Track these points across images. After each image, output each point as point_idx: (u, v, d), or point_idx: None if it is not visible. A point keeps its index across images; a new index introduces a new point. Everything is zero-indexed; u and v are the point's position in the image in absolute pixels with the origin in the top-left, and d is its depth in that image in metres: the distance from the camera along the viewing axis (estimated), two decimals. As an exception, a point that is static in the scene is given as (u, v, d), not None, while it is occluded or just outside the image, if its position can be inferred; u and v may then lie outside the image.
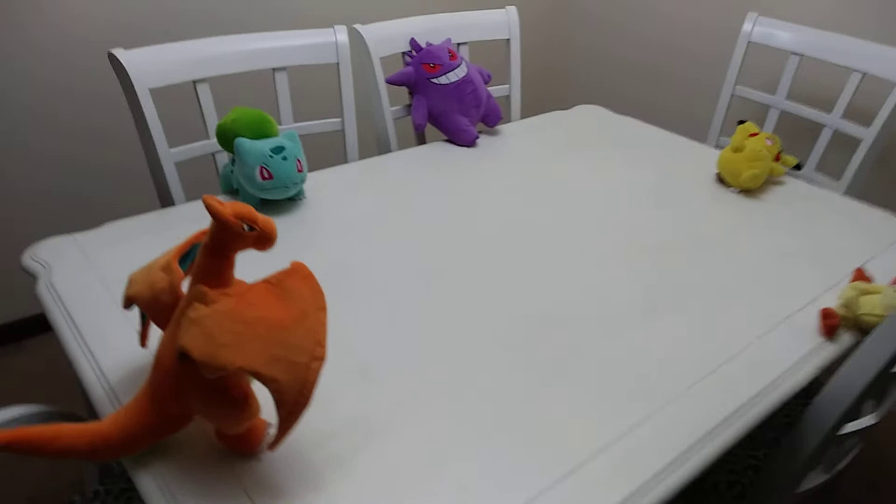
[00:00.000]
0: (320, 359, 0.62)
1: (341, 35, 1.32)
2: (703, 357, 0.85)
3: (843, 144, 1.52)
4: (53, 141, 1.66)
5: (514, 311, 0.91)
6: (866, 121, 1.44)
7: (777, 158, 1.30)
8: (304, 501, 0.63)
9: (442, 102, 1.41)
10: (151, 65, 1.12)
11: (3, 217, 1.66)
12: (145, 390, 0.65)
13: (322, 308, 0.64)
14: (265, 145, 1.08)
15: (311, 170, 1.28)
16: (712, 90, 1.79)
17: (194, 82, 1.18)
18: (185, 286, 0.68)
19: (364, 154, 1.40)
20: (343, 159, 1.40)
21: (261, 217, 0.64)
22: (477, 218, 1.15)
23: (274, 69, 1.28)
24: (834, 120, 1.50)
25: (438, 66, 1.39)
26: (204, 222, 1.09)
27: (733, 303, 0.96)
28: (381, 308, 0.91)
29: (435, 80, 1.39)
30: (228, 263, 0.64)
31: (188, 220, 1.09)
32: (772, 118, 1.60)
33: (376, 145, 1.47)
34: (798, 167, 1.34)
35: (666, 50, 2.17)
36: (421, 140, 1.52)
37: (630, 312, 0.93)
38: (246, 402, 0.64)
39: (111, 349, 0.80)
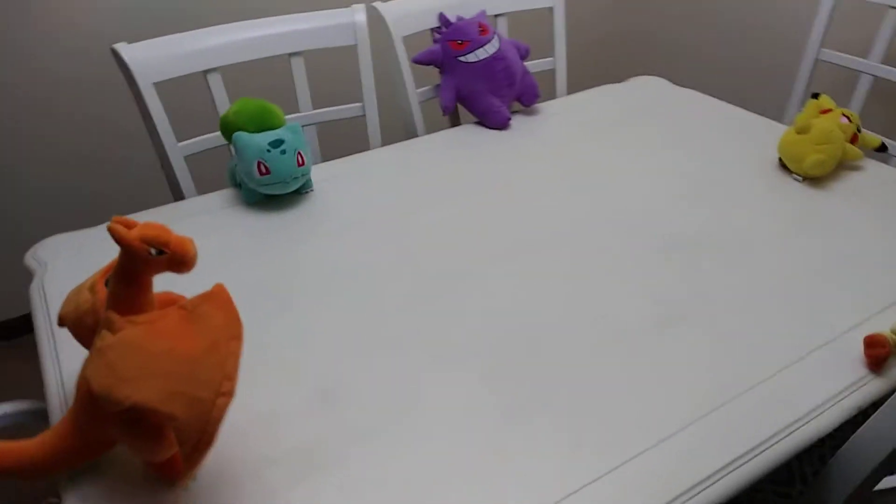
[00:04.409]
0: (228, 394, 0.57)
1: (359, 15, 1.25)
2: (717, 385, 0.73)
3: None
4: (61, 135, 1.67)
5: (508, 324, 0.83)
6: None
7: (854, 139, 1.10)
8: (221, 541, 0.59)
9: (471, 82, 1.31)
10: (156, 58, 1.10)
11: (12, 214, 1.68)
12: (69, 413, 0.63)
13: (236, 337, 0.59)
14: (263, 139, 1.04)
15: (332, 158, 1.24)
16: (794, 54, 1.56)
17: (204, 73, 1.16)
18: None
19: (389, 140, 1.33)
20: (366, 146, 1.33)
21: (174, 239, 0.59)
22: (492, 213, 1.05)
23: (290, 54, 1.23)
24: (940, 88, 1.26)
25: (466, 42, 1.29)
26: (217, 215, 1.08)
27: (767, 318, 0.82)
28: (362, 320, 0.85)
29: (462, 59, 1.29)
30: (140, 289, 0.60)
31: (198, 214, 1.07)
32: (863, 86, 1.37)
33: (403, 130, 1.39)
34: (882, 148, 1.13)
35: (741, 8, 1.92)
36: (454, 123, 1.43)
37: (640, 327, 0.81)
38: (161, 434, 0.60)
39: (79, 358, 0.79)
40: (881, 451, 0.62)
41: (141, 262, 0.58)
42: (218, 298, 0.60)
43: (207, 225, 1.05)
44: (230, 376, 0.58)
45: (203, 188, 1.19)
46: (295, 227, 1.04)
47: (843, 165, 1.12)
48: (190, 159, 1.18)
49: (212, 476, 0.65)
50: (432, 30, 1.36)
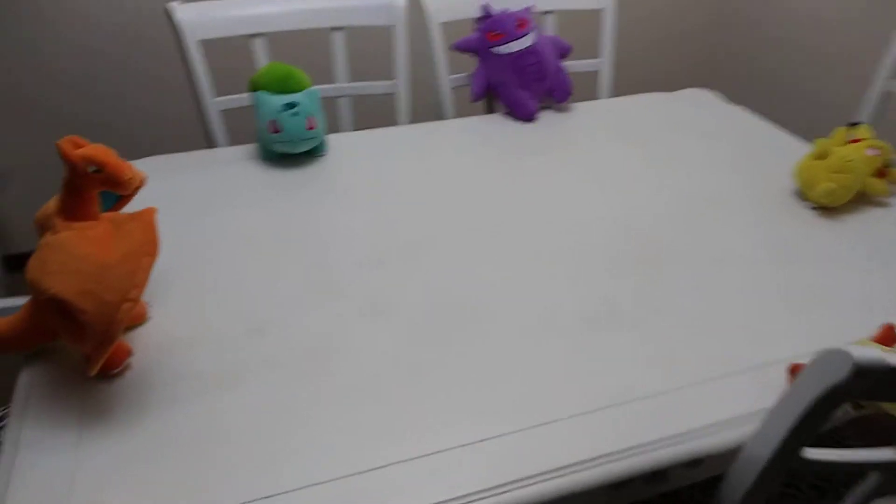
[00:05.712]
0: (133, 300, 0.65)
1: (399, -2, 1.31)
2: (626, 384, 0.72)
3: None
4: (108, 78, 1.78)
5: (454, 295, 0.85)
6: None
7: (882, 174, 1.03)
8: (121, 435, 0.66)
9: (501, 73, 1.33)
10: (205, 18, 1.21)
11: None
12: (27, 301, 0.73)
13: (150, 254, 0.66)
14: (280, 100, 1.12)
15: (361, 129, 1.30)
16: (860, 83, 1.45)
17: (250, 37, 1.26)
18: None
19: (418, 120, 1.37)
20: (395, 123, 1.39)
21: (113, 161, 0.67)
22: (487, 196, 1.07)
23: (332, 28, 1.30)
24: None
25: (502, 34, 1.31)
26: (243, 164, 1.18)
27: (708, 334, 0.80)
28: (317, 272, 0.90)
29: (496, 50, 1.32)
30: (83, 200, 0.68)
31: (226, 162, 1.18)
32: (931, 123, 1.26)
33: (433, 112, 1.43)
34: (916, 187, 1.04)
35: (813, 28, 1.79)
36: (489, 110, 1.45)
37: (580, 319, 0.82)
38: (83, 327, 0.69)
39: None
40: (744, 483, 0.59)
41: (81, 176, 0.66)
42: (143, 219, 0.67)
43: (223, 171, 1.14)
44: (138, 286, 0.65)
45: (238, 142, 1.29)
46: (296, 185, 1.11)
47: (867, 200, 1.05)
48: (227, 114, 1.29)
49: (130, 377, 0.73)
50: (475, 19, 1.39)
